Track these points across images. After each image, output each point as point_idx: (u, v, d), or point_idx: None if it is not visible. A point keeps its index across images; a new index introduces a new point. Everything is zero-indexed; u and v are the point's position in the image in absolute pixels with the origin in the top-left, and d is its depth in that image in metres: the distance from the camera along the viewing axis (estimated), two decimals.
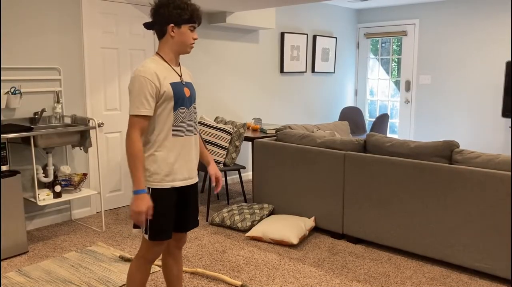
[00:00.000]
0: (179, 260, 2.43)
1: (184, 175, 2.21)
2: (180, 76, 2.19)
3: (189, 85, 2.22)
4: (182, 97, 2.15)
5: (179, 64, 2.24)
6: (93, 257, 3.48)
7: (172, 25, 2.09)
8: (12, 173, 3.50)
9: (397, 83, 7.41)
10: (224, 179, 5.76)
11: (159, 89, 2.06)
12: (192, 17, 2.12)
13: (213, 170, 2.40)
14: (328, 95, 7.28)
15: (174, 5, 2.08)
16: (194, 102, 2.25)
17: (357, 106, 7.78)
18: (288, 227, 3.74)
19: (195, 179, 2.30)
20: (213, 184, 2.39)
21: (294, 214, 4.12)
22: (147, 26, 2.16)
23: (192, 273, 3.20)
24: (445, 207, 3.22)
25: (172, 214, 2.20)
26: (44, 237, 3.92)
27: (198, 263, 3.38)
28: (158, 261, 3.35)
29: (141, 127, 2.07)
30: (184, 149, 2.20)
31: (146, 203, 2.04)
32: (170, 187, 2.16)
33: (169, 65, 2.16)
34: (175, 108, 2.12)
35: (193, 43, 2.18)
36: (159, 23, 2.11)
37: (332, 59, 7.19)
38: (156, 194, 2.14)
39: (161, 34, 2.13)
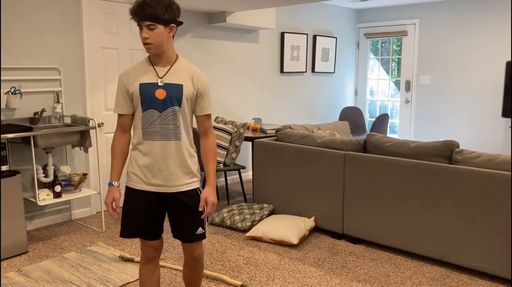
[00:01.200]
0: (191, 267, 2.36)
1: (157, 181, 2.13)
2: (160, 77, 2.08)
3: (168, 87, 2.07)
4: (150, 99, 2.06)
5: (171, 64, 2.12)
6: (93, 257, 3.48)
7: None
8: (12, 173, 3.49)
9: (397, 83, 7.41)
10: (224, 179, 5.75)
11: (127, 89, 2.11)
12: (132, 17, 2.02)
13: (205, 193, 2.17)
14: (328, 95, 7.28)
15: None
16: (175, 106, 2.08)
17: (357, 106, 7.78)
18: (288, 227, 3.74)
19: (178, 188, 2.16)
20: (200, 208, 2.18)
21: (294, 214, 4.12)
22: None
23: None
24: (445, 207, 3.22)
25: (143, 216, 2.17)
26: (44, 237, 3.92)
27: None
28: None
29: (120, 125, 2.18)
30: (156, 154, 2.11)
31: (109, 195, 2.16)
32: (139, 189, 2.15)
33: (153, 66, 2.11)
34: (143, 109, 2.09)
35: (144, 43, 2.03)
36: None
37: (332, 59, 7.19)
38: (127, 193, 2.21)
39: None
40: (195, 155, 2.23)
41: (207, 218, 2.27)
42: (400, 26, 7.16)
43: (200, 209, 2.19)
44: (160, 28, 2.01)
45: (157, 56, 2.09)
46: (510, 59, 6.04)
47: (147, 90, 2.06)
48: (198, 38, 5.29)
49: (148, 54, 2.13)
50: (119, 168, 2.18)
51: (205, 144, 2.22)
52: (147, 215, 2.18)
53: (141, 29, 2.02)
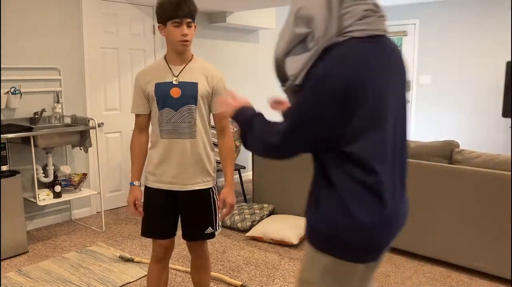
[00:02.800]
0: (197, 267, 2.37)
1: (171, 179, 2.15)
2: (176, 76, 2.11)
3: (183, 85, 2.09)
4: (165, 97, 2.09)
5: (186, 63, 2.14)
6: (93, 257, 3.48)
7: (160, 25, 2.09)
8: (12, 173, 3.50)
9: None
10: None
11: (143, 89, 2.15)
12: (172, 13, 2.02)
13: (224, 194, 2.19)
14: None
15: (158, 4, 2.07)
16: (190, 104, 2.10)
17: None
18: (288, 227, 3.74)
19: (191, 187, 2.17)
20: (219, 209, 2.25)
21: (294, 214, 4.12)
22: None
23: None
24: (445, 207, 3.22)
25: (158, 215, 2.20)
26: (44, 237, 3.92)
27: None
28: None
29: (138, 124, 2.23)
30: (171, 152, 2.13)
31: (132, 195, 2.20)
32: (154, 187, 2.19)
33: (168, 64, 2.14)
34: (159, 108, 2.12)
35: (183, 40, 2.04)
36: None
37: None
38: (145, 192, 2.24)
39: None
40: (212, 154, 2.25)
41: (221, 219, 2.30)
42: (400, 26, 7.16)
43: (220, 210, 2.23)
44: (193, 26, 2.10)
45: (180, 55, 2.12)
46: (510, 59, 6.04)
47: (162, 89, 2.10)
48: (198, 38, 5.29)
49: (164, 54, 2.18)
50: (139, 168, 2.23)
51: (221, 144, 2.26)
52: (161, 214, 2.21)
53: (177, 26, 2.03)
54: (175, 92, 2.09)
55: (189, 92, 2.10)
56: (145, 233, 2.26)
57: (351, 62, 1.25)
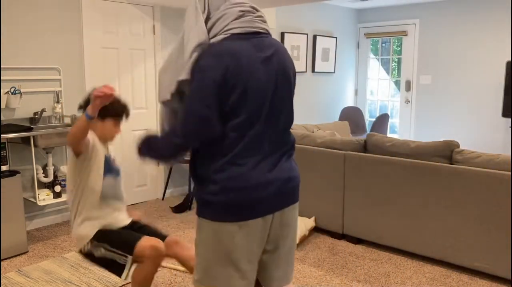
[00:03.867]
0: (186, 254, 2.58)
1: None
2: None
3: None
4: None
5: None
6: None
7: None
8: (12, 173, 3.50)
9: (397, 83, 7.41)
10: None
11: None
12: (119, 112, 2.21)
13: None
14: (328, 95, 7.28)
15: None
16: None
17: (357, 106, 7.78)
18: None
19: None
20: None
21: None
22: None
23: (192, 273, 3.19)
24: (445, 207, 3.22)
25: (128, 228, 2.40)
26: (44, 237, 3.92)
27: None
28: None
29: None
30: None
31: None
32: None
33: None
34: None
35: (115, 136, 2.32)
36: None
37: (332, 59, 7.19)
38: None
39: None
40: None
41: None
42: (400, 26, 7.16)
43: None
44: None
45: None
46: (510, 59, 6.04)
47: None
48: None
49: None
50: None
51: None
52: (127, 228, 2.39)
53: (117, 125, 2.25)
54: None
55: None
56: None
57: (224, 56, 1.52)
